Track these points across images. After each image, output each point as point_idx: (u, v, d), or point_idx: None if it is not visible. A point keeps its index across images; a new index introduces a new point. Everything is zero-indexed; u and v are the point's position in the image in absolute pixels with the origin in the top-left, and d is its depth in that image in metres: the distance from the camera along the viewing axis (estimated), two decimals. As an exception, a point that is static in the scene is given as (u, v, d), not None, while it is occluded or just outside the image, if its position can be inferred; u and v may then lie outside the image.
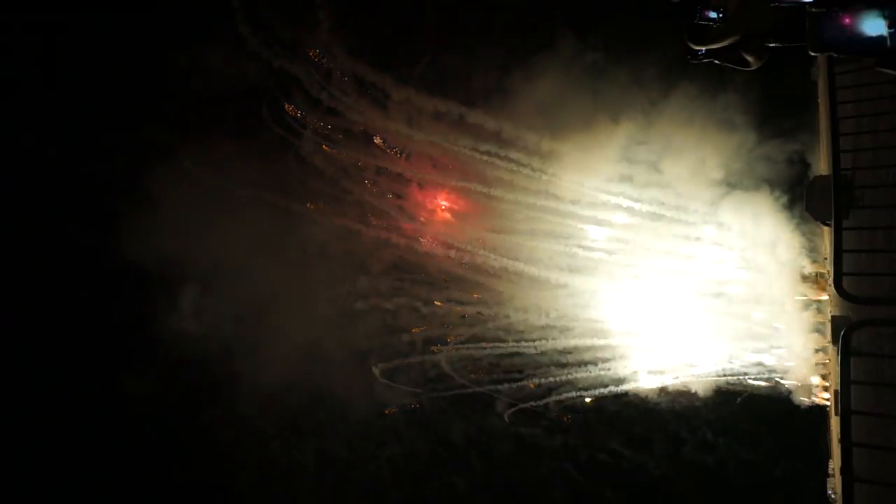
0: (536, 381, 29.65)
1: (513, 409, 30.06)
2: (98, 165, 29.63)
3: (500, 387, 30.13)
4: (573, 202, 26.78)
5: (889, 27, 11.39)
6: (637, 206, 25.72)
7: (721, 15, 10.06)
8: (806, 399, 23.68)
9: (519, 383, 29.85)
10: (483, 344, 29.90)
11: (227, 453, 31.91)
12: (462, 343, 30.22)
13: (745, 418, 26.56)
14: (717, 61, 12.55)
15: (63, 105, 29.47)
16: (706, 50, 12.27)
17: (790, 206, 23.08)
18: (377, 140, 29.52)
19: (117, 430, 30.88)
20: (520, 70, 26.99)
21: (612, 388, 28.21)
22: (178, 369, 30.83)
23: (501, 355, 30.02)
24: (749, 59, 13.26)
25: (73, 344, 30.02)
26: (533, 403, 29.12)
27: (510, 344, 29.28)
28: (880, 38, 11.65)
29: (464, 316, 30.42)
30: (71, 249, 29.53)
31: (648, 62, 24.45)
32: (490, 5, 28.18)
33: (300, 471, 31.85)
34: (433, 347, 30.48)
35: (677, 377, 27.04)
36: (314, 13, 28.49)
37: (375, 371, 30.47)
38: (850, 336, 12.76)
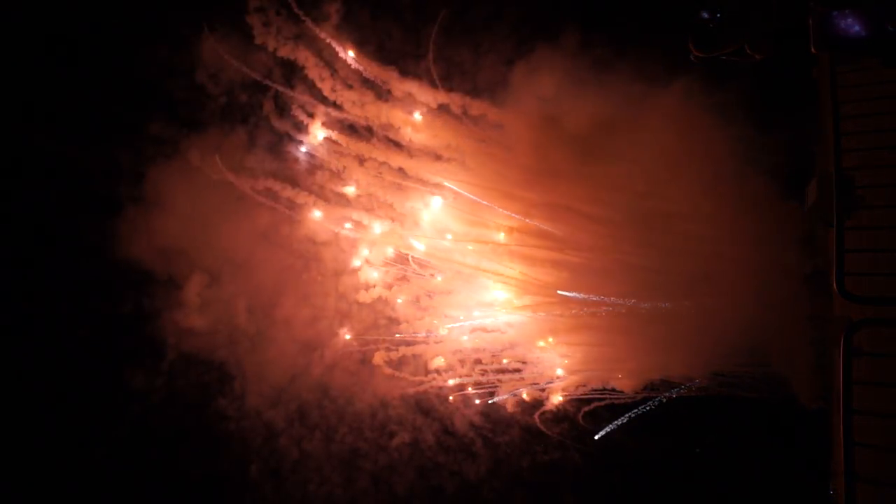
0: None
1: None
2: (103, 160, 29.70)
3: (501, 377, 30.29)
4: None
5: (893, 27, 11.35)
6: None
7: (717, 15, 10.08)
8: (807, 398, 23.54)
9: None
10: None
11: (237, 446, 32.03)
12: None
13: (748, 418, 26.46)
14: (723, 57, 12.49)
15: (68, 100, 29.50)
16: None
17: (791, 206, 22.85)
18: (379, 133, 29.54)
19: (123, 425, 31.06)
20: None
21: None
22: (184, 364, 30.95)
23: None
24: (752, 54, 13.20)
25: (77, 340, 30.16)
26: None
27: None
28: (884, 37, 11.61)
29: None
30: (72, 246, 29.64)
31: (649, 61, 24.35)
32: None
33: (310, 461, 31.97)
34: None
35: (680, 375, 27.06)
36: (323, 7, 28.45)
37: (380, 361, 30.60)
38: (851, 336, 12.70)
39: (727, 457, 27.17)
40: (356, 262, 30.92)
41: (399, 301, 30.77)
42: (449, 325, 30.49)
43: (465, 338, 30.50)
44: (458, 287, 30.22)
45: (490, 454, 31.37)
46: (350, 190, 30.34)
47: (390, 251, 30.60)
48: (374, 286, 30.85)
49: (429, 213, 29.88)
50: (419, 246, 30.03)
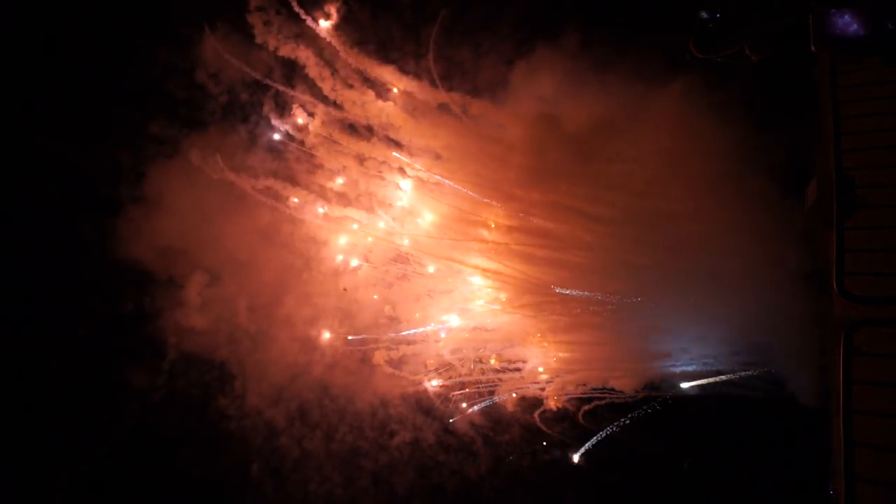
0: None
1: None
2: (103, 160, 29.77)
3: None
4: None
5: (893, 25, 11.35)
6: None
7: (717, 15, 10.12)
8: (807, 398, 23.54)
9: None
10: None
11: (238, 445, 32.09)
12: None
13: (747, 418, 26.50)
14: (718, 59, 12.57)
15: (68, 100, 29.57)
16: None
17: (791, 206, 22.89)
18: (378, 133, 29.67)
19: (123, 425, 31.12)
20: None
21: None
22: (185, 363, 31.02)
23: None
24: (751, 55, 13.23)
25: (77, 340, 30.23)
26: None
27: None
28: (885, 36, 11.61)
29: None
30: (72, 246, 29.70)
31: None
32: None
33: (310, 460, 32.03)
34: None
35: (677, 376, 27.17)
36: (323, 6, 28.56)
37: (380, 360, 30.66)
38: (851, 336, 12.71)
39: (727, 456, 27.19)
40: (356, 261, 31.00)
41: (386, 308, 30.83)
42: (447, 325, 30.56)
43: (444, 335, 30.56)
44: (458, 286, 30.31)
45: (490, 453, 31.46)
46: (348, 188, 30.45)
47: (389, 250, 30.69)
48: (374, 285, 30.95)
49: (427, 212, 29.98)
50: (418, 243, 30.13)
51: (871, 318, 13.16)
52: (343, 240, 31.00)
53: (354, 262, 30.95)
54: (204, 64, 29.02)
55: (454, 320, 30.52)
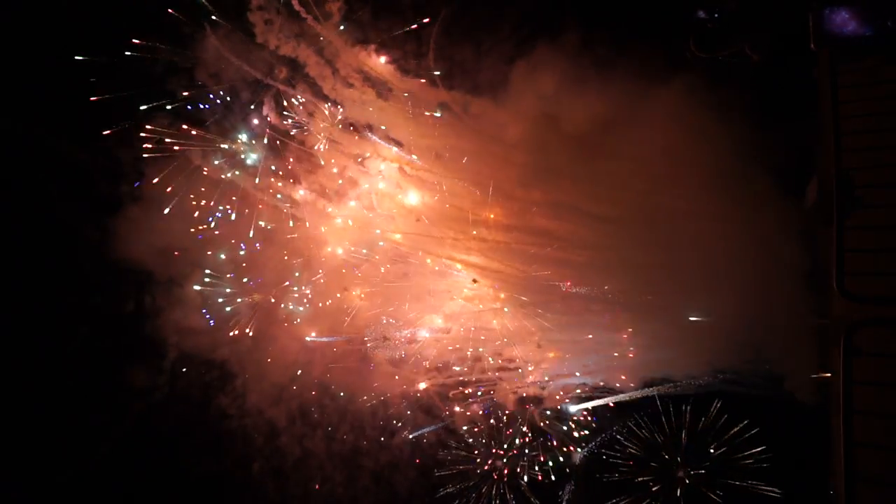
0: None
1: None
2: (103, 159, 29.84)
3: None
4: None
5: (893, 24, 11.35)
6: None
7: (715, 14, 10.14)
8: (807, 397, 23.57)
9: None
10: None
11: (239, 444, 32.19)
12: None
13: (748, 417, 26.57)
14: (719, 58, 12.60)
15: (68, 99, 29.63)
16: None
17: (792, 205, 22.94)
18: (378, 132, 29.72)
19: (124, 424, 31.21)
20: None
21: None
22: (186, 362, 31.12)
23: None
24: (751, 55, 13.22)
25: (78, 340, 30.32)
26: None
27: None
28: (885, 34, 11.59)
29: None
30: (72, 245, 29.78)
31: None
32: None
33: (311, 459, 32.12)
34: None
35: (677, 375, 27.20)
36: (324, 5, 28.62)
37: (380, 359, 30.72)
38: (851, 336, 12.72)
39: (726, 455, 27.25)
40: (356, 259, 31.06)
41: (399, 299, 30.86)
42: (446, 324, 30.61)
43: (443, 334, 30.57)
44: (458, 285, 30.35)
45: (489, 452, 31.47)
46: (348, 187, 30.51)
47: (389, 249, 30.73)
48: (375, 284, 30.99)
49: (427, 211, 30.02)
50: (418, 242, 30.18)
51: (871, 318, 13.15)
52: (343, 239, 31.05)
53: (354, 262, 30.99)
54: (204, 63, 29.08)
55: (453, 320, 30.56)
